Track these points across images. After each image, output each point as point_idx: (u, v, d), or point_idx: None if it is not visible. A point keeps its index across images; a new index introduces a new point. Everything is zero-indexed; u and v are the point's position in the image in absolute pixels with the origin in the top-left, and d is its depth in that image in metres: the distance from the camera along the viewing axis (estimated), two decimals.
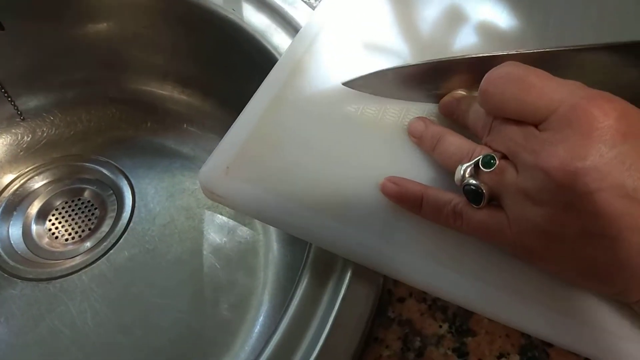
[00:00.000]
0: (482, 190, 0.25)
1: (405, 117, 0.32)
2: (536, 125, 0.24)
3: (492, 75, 0.25)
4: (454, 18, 0.37)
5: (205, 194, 0.30)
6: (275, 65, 0.34)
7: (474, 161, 0.25)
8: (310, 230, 0.28)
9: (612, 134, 0.21)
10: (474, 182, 0.25)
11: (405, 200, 0.28)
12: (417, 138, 0.30)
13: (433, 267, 0.26)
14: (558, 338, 0.25)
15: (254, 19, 0.44)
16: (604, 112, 0.22)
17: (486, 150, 0.26)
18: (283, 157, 0.30)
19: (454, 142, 0.28)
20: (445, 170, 0.28)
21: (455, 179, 0.26)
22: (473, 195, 0.25)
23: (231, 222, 0.49)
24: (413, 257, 0.27)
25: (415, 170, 0.30)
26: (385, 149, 0.31)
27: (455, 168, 0.26)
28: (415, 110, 0.32)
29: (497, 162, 0.25)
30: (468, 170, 0.25)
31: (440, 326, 0.27)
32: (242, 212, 0.30)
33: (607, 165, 0.21)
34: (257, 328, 0.42)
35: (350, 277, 0.28)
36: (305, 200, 0.28)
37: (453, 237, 0.27)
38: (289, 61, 0.34)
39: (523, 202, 0.23)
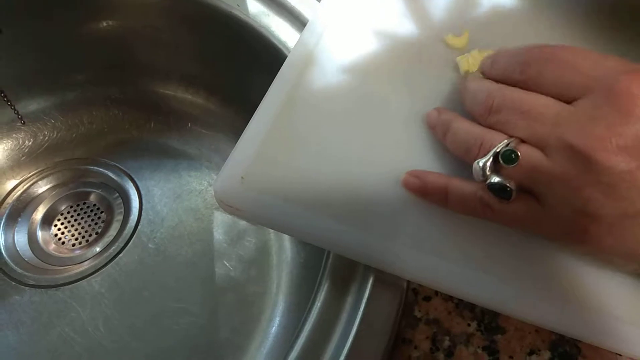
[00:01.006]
0: (510, 188, 0.24)
1: (424, 109, 0.31)
2: (568, 103, 0.23)
3: (533, 50, 0.25)
4: (464, 1, 0.36)
5: (222, 208, 0.28)
6: (284, 64, 0.33)
7: (490, 155, 0.24)
8: (333, 240, 0.27)
9: None
10: (497, 179, 0.24)
11: (429, 194, 0.27)
12: (432, 128, 0.29)
13: (468, 272, 0.26)
14: (567, 328, 0.25)
15: (259, 14, 0.43)
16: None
17: (499, 137, 0.24)
18: (300, 162, 0.29)
19: (462, 127, 0.27)
20: (458, 159, 0.27)
21: (475, 176, 0.25)
22: (500, 192, 0.24)
23: (241, 222, 0.48)
24: (443, 262, 0.26)
25: (439, 163, 0.29)
26: (406, 143, 0.30)
27: (466, 156, 0.26)
28: (433, 100, 0.31)
29: (519, 155, 0.23)
30: (487, 166, 0.24)
31: (469, 324, 0.27)
32: (262, 225, 0.29)
33: None
34: (273, 329, 0.42)
35: (374, 279, 0.28)
36: (327, 209, 0.27)
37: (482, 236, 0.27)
38: (298, 59, 0.33)
39: (559, 187, 0.22)
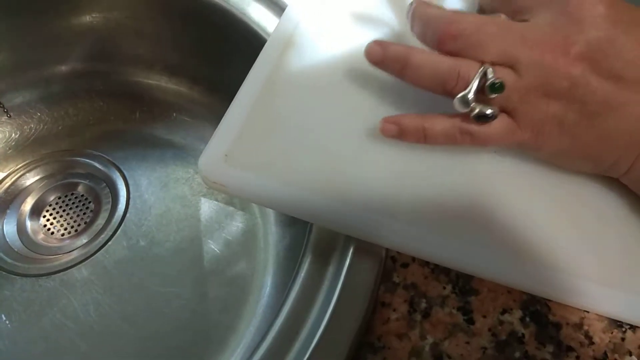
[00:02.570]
0: (494, 113, 0.25)
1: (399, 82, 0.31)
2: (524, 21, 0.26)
3: None
4: None
5: (207, 184, 0.29)
6: (264, 47, 0.34)
7: (474, 87, 0.25)
8: (314, 212, 0.28)
9: (603, 20, 0.23)
10: (487, 110, 0.25)
11: (407, 135, 0.28)
12: (379, 63, 0.29)
13: (439, 239, 0.27)
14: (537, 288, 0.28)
15: (240, 2, 0.44)
16: (596, 1, 0.24)
17: (473, 65, 0.25)
18: (281, 139, 0.30)
19: (426, 59, 0.26)
20: (425, 92, 0.27)
21: (457, 108, 0.26)
22: (485, 119, 0.25)
23: (228, 208, 0.49)
24: (420, 230, 0.27)
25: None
26: (382, 114, 0.30)
27: (441, 89, 0.26)
28: None
29: (504, 83, 0.24)
30: (472, 98, 0.25)
31: (444, 287, 0.28)
32: (245, 199, 0.30)
33: (600, 51, 0.23)
34: (261, 309, 0.43)
35: (354, 250, 0.29)
36: (307, 182, 0.29)
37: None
38: (278, 41, 0.34)
39: (533, 100, 0.24)
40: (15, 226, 0.48)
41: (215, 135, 0.30)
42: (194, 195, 0.50)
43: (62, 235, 0.48)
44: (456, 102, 0.25)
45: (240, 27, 0.44)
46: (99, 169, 0.52)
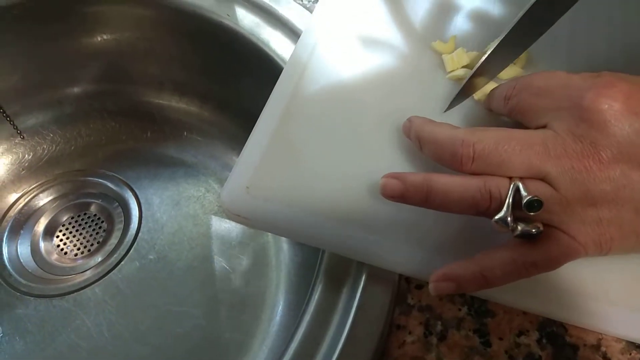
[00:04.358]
0: (539, 229, 0.24)
1: (414, 112, 0.31)
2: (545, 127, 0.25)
3: (511, 82, 0.27)
4: (449, 8, 0.38)
5: (229, 217, 0.29)
6: (280, 77, 0.34)
7: (508, 208, 0.23)
8: (338, 243, 0.28)
9: (624, 116, 0.23)
10: (528, 229, 0.23)
11: (467, 287, 0.25)
12: (399, 198, 0.27)
13: None
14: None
15: (249, 22, 0.44)
16: (611, 100, 0.23)
17: (502, 182, 0.24)
18: (300, 170, 0.30)
19: (451, 185, 0.25)
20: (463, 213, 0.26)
21: (496, 229, 0.24)
22: (529, 237, 0.24)
23: (239, 227, 0.49)
24: (446, 259, 0.26)
25: (428, 161, 0.30)
26: (397, 146, 0.31)
27: (470, 212, 0.25)
28: (423, 104, 0.33)
29: (542, 199, 0.23)
30: (510, 220, 0.23)
31: (460, 309, 0.28)
32: (268, 231, 0.30)
33: (632, 146, 0.22)
34: (274, 327, 0.43)
35: (367, 274, 0.29)
36: (329, 213, 0.28)
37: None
38: (294, 69, 0.34)
39: (580, 212, 0.23)
40: (29, 247, 0.49)
41: (236, 167, 0.30)
42: (205, 213, 0.50)
43: (75, 255, 0.48)
44: (495, 224, 0.24)
45: (249, 47, 0.44)
46: (112, 189, 0.52)
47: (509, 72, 0.33)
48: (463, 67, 0.33)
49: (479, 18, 0.37)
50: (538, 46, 0.31)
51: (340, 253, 0.29)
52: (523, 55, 0.34)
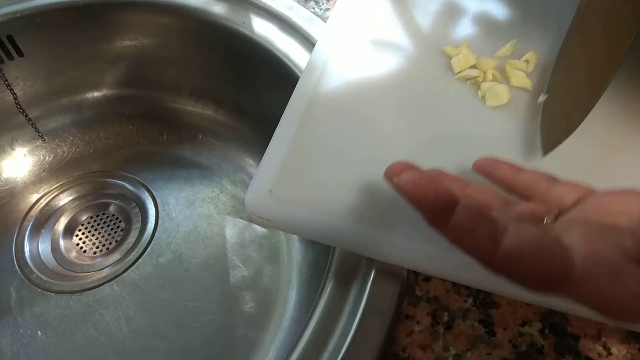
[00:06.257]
0: None
1: (427, 119, 0.33)
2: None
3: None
4: (460, 14, 0.39)
5: (253, 220, 0.30)
6: (297, 84, 0.35)
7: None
8: (359, 243, 0.29)
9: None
10: None
11: None
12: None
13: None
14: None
15: (263, 30, 0.46)
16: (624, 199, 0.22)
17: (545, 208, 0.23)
18: (320, 173, 0.31)
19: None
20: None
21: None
22: None
23: (252, 225, 0.51)
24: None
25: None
26: (414, 149, 0.32)
27: None
28: (437, 109, 0.34)
29: None
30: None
31: (465, 300, 0.30)
32: (291, 233, 0.31)
33: None
34: (286, 322, 0.44)
35: (377, 268, 0.30)
36: (347, 214, 0.29)
37: None
38: (310, 78, 0.35)
39: None
40: (50, 245, 0.51)
41: (258, 172, 0.31)
42: (219, 213, 0.52)
43: (94, 253, 0.50)
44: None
45: (263, 53, 0.46)
46: (129, 190, 0.54)
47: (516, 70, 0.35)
48: (471, 67, 0.35)
49: (488, 23, 0.39)
50: (543, 48, 0.32)
51: (359, 252, 0.30)
52: (533, 57, 0.36)
